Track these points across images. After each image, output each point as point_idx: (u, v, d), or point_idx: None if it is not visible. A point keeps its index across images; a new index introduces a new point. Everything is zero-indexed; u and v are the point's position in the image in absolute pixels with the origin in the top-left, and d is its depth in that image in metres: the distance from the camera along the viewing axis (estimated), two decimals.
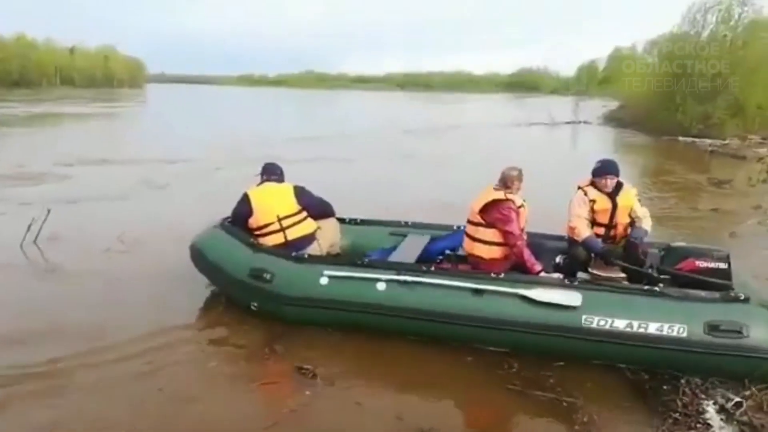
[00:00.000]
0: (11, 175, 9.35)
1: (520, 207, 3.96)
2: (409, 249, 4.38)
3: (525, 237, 3.98)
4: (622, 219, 4.15)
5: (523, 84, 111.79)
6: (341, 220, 4.80)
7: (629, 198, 4.14)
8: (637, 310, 3.30)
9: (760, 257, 5.92)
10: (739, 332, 3.11)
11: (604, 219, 4.15)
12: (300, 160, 10.16)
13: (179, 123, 23.90)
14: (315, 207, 4.49)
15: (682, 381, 3.20)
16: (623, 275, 3.89)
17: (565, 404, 3.12)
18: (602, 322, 3.28)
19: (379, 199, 5.85)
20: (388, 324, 3.71)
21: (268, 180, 4.48)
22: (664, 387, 3.21)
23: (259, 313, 3.98)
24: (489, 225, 3.95)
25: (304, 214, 4.38)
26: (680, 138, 18.77)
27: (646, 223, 4.09)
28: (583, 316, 3.31)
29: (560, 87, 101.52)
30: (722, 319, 3.16)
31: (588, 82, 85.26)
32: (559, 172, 10.56)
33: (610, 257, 3.98)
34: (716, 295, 3.36)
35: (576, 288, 3.48)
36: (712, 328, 3.14)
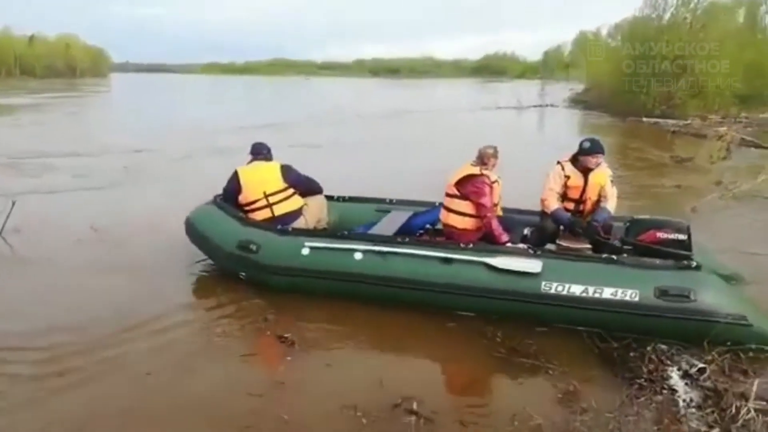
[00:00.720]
0: None
1: (493, 182, 4.22)
2: (390, 223, 4.62)
3: (496, 210, 4.26)
4: (591, 195, 4.37)
5: (490, 69, 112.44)
6: (329, 198, 5.02)
7: (602, 178, 4.35)
8: (593, 276, 3.53)
9: (720, 229, 6.15)
10: (687, 297, 3.32)
11: (575, 195, 4.40)
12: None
13: (143, 113, 23.40)
14: (301, 184, 4.69)
15: (648, 348, 3.32)
16: (589, 246, 4.14)
17: (545, 371, 3.24)
18: (560, 288, 3.52)
19: (357, 184, 5.88)
20: (365, 291, 3.95)
21: (255, 159, 4.67)
22: (631, 354, 3.33)
23: (248, 281, 4.25)
24: (463, 197, 4.19)
25: (291, 191, 4.59)
26: (644, 119, 19.18)
27: (611, 204, 4.29)
28: (543, 282, 3.55)
29: (527, 71, 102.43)
30: (672, 285, 3.38)
31: (554, 66, 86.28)
32: (530, 152, 10.75)
33: (577, 228, 4.22)
34: (669, 262, 3.57)
35: (537, 257, 3.71)
36: (662, 292, 3.36)
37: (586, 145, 4.35)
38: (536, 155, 9.84)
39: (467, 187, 4.17)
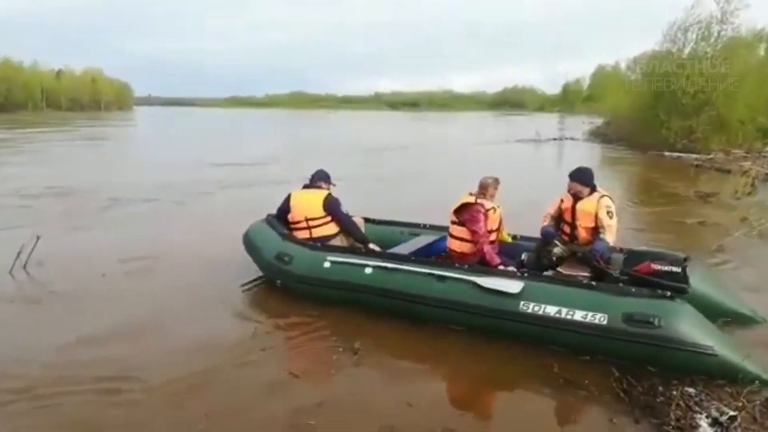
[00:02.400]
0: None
1: (488, 210, 4.54)
2: (413, 245, 5.08)
3: (492, 236, 4.60)
4: (583, 222, 4.55)
5: (509, 102, 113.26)
6: (367, 220, 5.63)
7: (591, 206, 4.48)
8: (568, 299, 3.74)
9: (749, 269, 6.00)
10: (652, 323, 3.45)
11: (568, 218, 4.66)
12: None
13: (169, 147, 23.88)
14: (337, 217, 5.13)
15: (675, 393, 3.21)
16: (587, 275, 4.27)
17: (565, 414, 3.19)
18: (536, 308, 3.77)
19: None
20: (373, 302, 4.45)
21: (312, 185, 5.29)
22: (658, 400, 3.21)
23: (282, 288, 4.93)
24: (461, 224, 4.60)
25: (329, 218, 5.11)
26: (666, 153, 19.05)
27: (609, 235, 4.38)
28: (521, 302, 3.83)
29: (546, 104, 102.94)
30: (638, 311, 3.53)
31: (573, 99, 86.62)
32: (547, 184, 10.69)
33: (553, 239, 4.59)
34: (643, 290, 3.68)
35: (519, 278, 3.99)
36: (628, 318, 3.52)
37: (575, 173, 4.62)
38: (552, 186, 9.77)
39: (464, 214, 4.55)
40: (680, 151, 18.86)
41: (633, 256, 4.08)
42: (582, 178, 4.56)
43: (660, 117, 20.43)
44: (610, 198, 4.52)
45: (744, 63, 19.87)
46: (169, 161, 16.34)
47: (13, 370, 3.56)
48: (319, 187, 5.23)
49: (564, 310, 3.68)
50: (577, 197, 4.56)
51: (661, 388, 3.28)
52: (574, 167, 4.67)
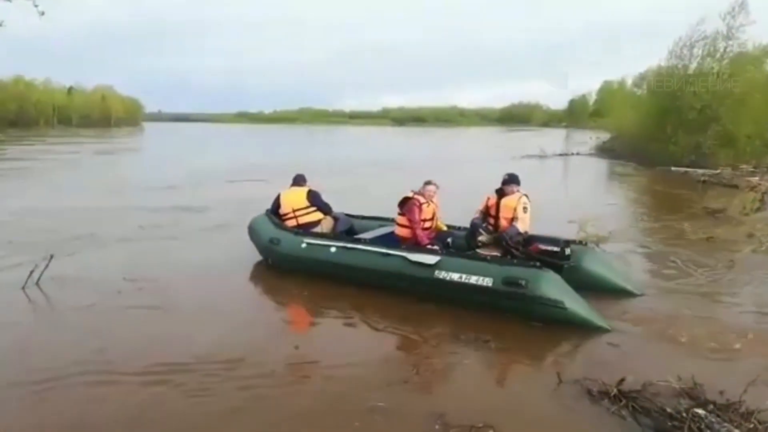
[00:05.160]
0: (12, 220, 9.36)
1: (423, 204, 5.83)
2: (376, 232, 6.42)
3: (425, 224, 5.85)
4: (504, 214, 5.81)
5: (515, 117, 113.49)
6: (350, 215, 6.88)
7: (512, 202, 5.78)
8: (467, 268, 4.98)
9: (762, 286, 6.00)
10: (521, 284, 4.66)
11: (492, 212, 5.96)
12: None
13: (179, 163, 24.05)
14: (318, 205, 6.59)
15: (684, 414, 3.18)
16: (498, 254, 5.44)
17: None
18: (446, 275, 5.04)
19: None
20: (336, 273, 5.78)
21: (295, 185, 6.78)
22: (669, 424, 3.18)
23: (273, 265, 6.37)
24: (402, 214, 5.95)
25: (313, 208, 6.55)
26: (673, 168, 19.03)
27: (521, 224, 5.64)
28: (435, 271, 5.10)
29: (552, 120, 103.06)
30: (512, 276, 4.73)
31: (579, 114, 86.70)
32: (556, 198, 10.69)
33: (478, 229, 5.87)
34: (520, 262, 4.98)
35: (436, 254, 5.25)
36: (505, 281, 4.75)
37: (505, 177, 5.97)
38: (563, 206, 9.75)
39: (404, 207, 5.91)
40: (687, 167, 18.85)
41: (529, 240, 5.44)
42: (515, 180, 5.91)
43: (667, 132, 20.45)
44: (527, 197, 5.82)
45: (751, 78, 19.88)
46: (178, 177, 16.45)
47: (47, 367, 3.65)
48: (301, 185, 6.72)
49: (464, 276, 4.93)
50: (501, 195, 5.89)
51: (669, 410, 3.26)
52: (505, 173, 6.03)
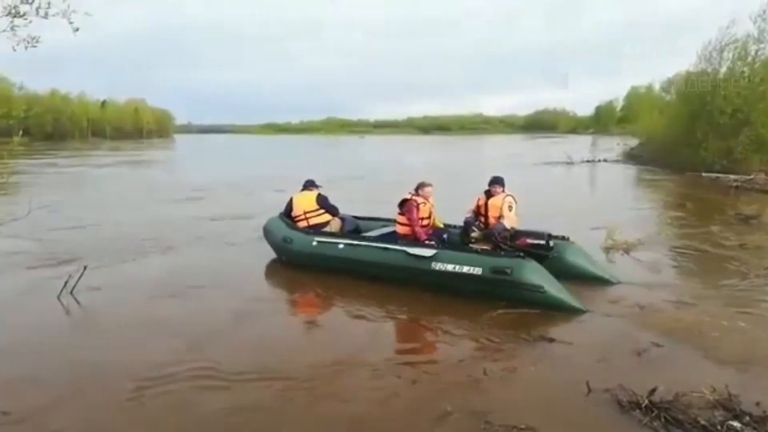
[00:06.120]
0: (46, 234, 9.64)
1: (420, 204, 6.36)
2: (381, 231, 7.01)
3: (424, 222, 6.37)
4: (492, 213, 6.45)
5: (541, 124, 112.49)
6: (357, 217, 7.49)
7: (498, 202, 6.41)
8: (460, 260, 5.54)
9: None
10: (506, 272, 5.26)
11: (482, 211, 6.60)
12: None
13: (210, 175, 24.44)
14: (326, 207, 7.16)
15: (720, 428, 3.13)
16: (488, 248, 6.05)
17: None
18: (441, 266, 5.61)
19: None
20: (345, 268, 6.33)
21: (305, 189, 7.33)
22: None
23: (287, 262, 6.96)
24: (402, 213, 6.48)
25: (323, 211, 7.12)
26: (703, 174, 18.63)
27: (507, 222, 6.24)
28: (432, 263, 5.68)
29: (578, 126, 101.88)
30: (499, 265, 5.33)
31: (606, 120, 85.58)
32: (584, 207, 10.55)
33: (471, 226, 6.50)
34: (506, 253, 5.66)
35: (432, 248, 5.85)
36: (493, 269, 5.34)
37: (491, 179, 6.60)
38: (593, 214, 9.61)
39: (403, 207, 6.46)
40: (719, 172, 18.42)
41: (516, 234, 6.10)
42: (500, 182, 6.54)
43: (697, 137, 20.03)
44: (512, 197, 6.45)
45: None
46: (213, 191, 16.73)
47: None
48: (311, 190, 7.26)
49: (458, 267, 5.50)
50: (489, 196, 6.50)
51: (704, 422, 3.19)
52: (492, 176, 6.68)
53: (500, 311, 5.14)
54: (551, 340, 4.58)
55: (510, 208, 6.34)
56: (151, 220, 10.46)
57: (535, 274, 5.27)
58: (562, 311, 5.14)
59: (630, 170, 23.35)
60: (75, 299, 5.70)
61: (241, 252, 7.94)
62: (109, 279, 6.45)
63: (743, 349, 4.34)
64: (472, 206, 6.70)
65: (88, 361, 4.24)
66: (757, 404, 3.34)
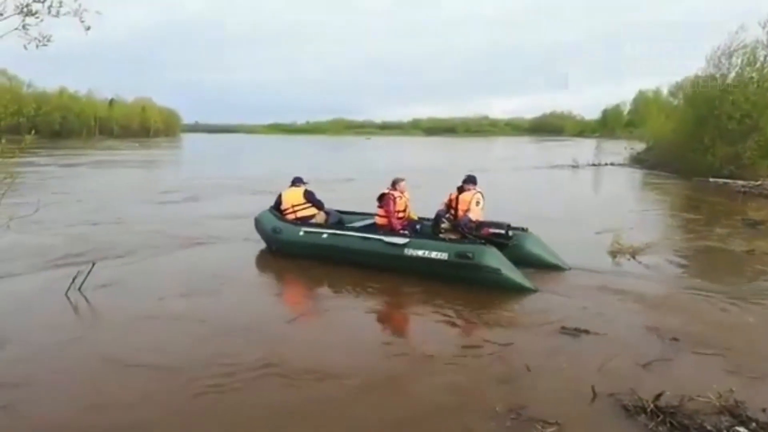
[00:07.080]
0: (57, 227, 9.69)
1: (396, 197, 7.07)
2: (360, 223, 7.61)
3: (400, 214, 7.08)
4: (461, 207, 7.07)
5: (546, 127, 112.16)
6: (341, 212, 8.13)
7: (468, 197, 7.02)
8: (429, 247, 6.26)
9: None
10: (468, 257, 5.97)
11: (453, 205, 7.21)
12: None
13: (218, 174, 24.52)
14: (312, 201, 7.77)
15: None
16: (455, 237, 6.72)
17: None
18: (412, 253, 6.31)
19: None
20: (329, 256, 6.93)
21: (293, 185, 8.04)
22: None
23: (277, 252, 7.55)
24: (380, 206, 7.18)
25: (309, 204, 7.73)
26: (711, 179, 18.56)
27: (473, 214, 6.90)
28: (405, 250, 6.37)
29: (585, 129, 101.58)
30: (462, 251, 6.03)
31: (613, 124, 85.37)
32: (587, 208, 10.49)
33: (441, 219, 7.12)
34: (469, 240, 6.37)
35: (405, 236, 6.54)
36: (457, 254, 6.04)
37: (465, 177, 7.26)
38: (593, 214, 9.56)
39: (381, 200, 7.17)
40: (726, 177, 18.36)
41: (479, 225, 6.80)
42: (473, 180, 7.19)
43: (704, 142, 19.96)
44: (481, 193, 7.07)
45: None
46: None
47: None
48: (298, 186, 7.96)
49: (427, 252, 6.21)
50: (460, 191, 7.12)
51: (710, 428, 3.19)
52: (466, 174, 7.40)
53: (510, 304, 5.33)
54: (552, 343, 4.57)
55: (477, 203, 7.00)
56: (157, 218, 10.51)
57: (493, 258, 5.98)
58: (516, 291, 5.90)
59: (636, 174, 23.29)
60: (83, 296, 5.73)
61: (247, 248, 7.96)
62: (117, 275, 6.48)
63: (750, 355, 4.34)
64: (445, 200, 7.33)
65: (100, 356, 4.27)
66: (764, 410, 3.33)
